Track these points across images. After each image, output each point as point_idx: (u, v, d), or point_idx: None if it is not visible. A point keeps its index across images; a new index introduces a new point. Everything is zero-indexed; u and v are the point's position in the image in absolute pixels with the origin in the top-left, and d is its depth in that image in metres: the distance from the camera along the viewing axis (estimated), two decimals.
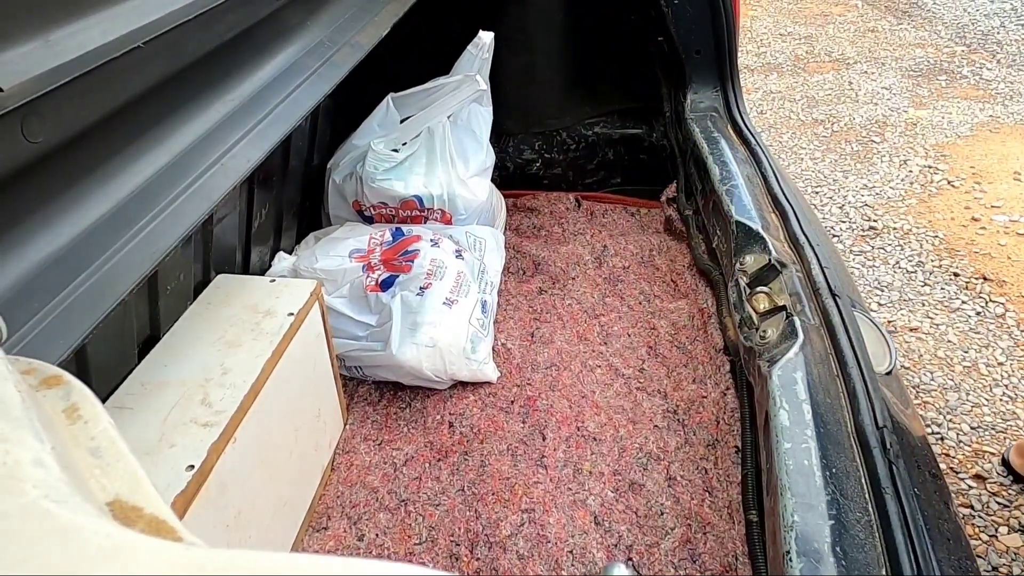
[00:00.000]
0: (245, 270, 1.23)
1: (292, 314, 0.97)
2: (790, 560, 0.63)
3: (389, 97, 1.45)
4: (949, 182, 2.77)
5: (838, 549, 0.64)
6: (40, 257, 0.61)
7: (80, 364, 0.75)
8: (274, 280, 1.04)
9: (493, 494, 1.05)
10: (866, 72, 3.69)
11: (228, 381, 0.85)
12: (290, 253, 1.34)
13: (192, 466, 0.74)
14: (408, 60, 1.51)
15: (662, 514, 1.01)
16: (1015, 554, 1.51)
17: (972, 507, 1.61)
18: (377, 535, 1.02)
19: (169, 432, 0.78)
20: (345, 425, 1.19)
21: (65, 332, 0.58)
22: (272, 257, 1.30)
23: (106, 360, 0.82)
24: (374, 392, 1.25)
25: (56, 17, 0.62)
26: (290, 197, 1.38)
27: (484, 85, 1.38)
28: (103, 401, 0.37)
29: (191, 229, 0.74)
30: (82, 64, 0.61)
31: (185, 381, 0.85)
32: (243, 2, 0.90)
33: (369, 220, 1.48)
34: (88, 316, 0.60)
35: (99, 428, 0.34)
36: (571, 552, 0.97)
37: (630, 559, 0.95)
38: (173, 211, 0.73)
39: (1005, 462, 1.68)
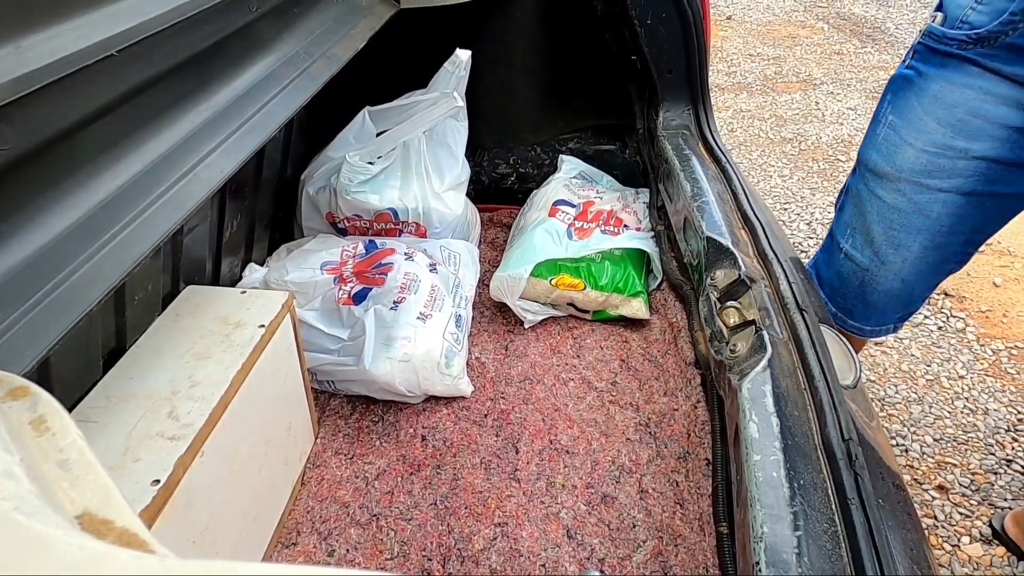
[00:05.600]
0: (215, 281, 1.21)
1: (263, 326, 0.96)
2: (759, 571, 0.64)
3: (365, 110, 1.45)
4: None
5: (805, 560, 0.65)
6: (7, 266, 0.60)
7: (43, 375, 0.74)
8: (245, 291, 1.03)
9: (466, 508, 1.05)
10: (832, 93, 3.79)
11: (196, 394, 0.84)
12: (262, 265, 1.33)
13: (158, 481, 0.73)
14: (384, 74, 1.52)
15: (634, 527, 1.02)
16: (977, 563, 1.55)
17: (935, 517, 1.65)
18: (348, 550, 1.01)
19: (135, 446, 0.77)
20: (316, 439, 1.18)
21: (30, 343, 0.56)
22: (243, 268, 1.29)
23: (70, 372, 0.80)
24: (346, 405, 1.24)
25: (28, 23, 0.61)
26: (263, 208, 1.37)
27: (461, 102, 1.39)
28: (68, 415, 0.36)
29: (162, 239, 0.73)
30: (54, 71, 0.61)
31: (152, 394, 0.84)
32: (219, 13, 0.90)
33: (343, 232, 1.47)
34: (55, 327, 0.59)
35: (68, 440, 0.33)
36: (544, 566, 0.97)
37: (602, 571, 0.95)
38: (144, 221, 0.72)
39: (997, 533, 1.55)
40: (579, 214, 1.52)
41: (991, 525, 1.60)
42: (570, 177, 1.67)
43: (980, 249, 1.21)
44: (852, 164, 1.29)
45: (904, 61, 1.16)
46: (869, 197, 1.19)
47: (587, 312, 1.38)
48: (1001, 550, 1.54)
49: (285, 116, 0.98)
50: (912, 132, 1.09)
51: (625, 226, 1.51)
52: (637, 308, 1.36)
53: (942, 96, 1.06)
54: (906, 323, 1.40)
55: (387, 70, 1.53)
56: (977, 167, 1.06)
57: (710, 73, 1.59)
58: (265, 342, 0.95)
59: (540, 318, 1.40)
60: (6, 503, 0.24)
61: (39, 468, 0.30)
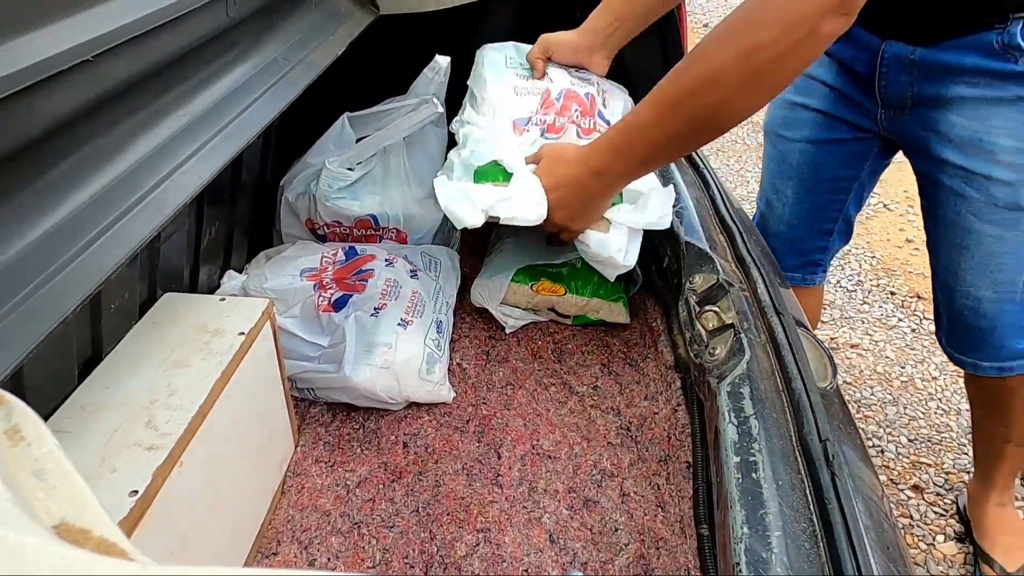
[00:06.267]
0: (193, 289, 1.20)
1: (243, 333, 0.95)
2: (740, 571, 0.65)
3: (344, 116, 1.44)
4: (885, 205, 2.90)
5: (785, 559, 0.66)
6: None
7: (16, 384, 0.72)
8: (224, 299, 1.02)
9: (448, 514, 1.05)
10: None
11: (175, 403, 0.83)
12: (240, 272, 1.32)
13: (136, 491, 0.72)
14: (364, 80, 1.51)
15: (616, 530, 1.02)
16: (951, 561, 1.57)
17: (911, 517, 1.67)
18: (329, 559, 1.00)
19: (111, 456, 0.76)
20: (296, 447, 1.17)
21: (4, 351, 0.55)
22: (221, 276, 1.27)
23: (44, 381, 0.79)
24: (326, 413, 1.23)
25: (1, 28, 0.60)
26: (241, 215, 1.35)
27: (441, 108, 1.39)
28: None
29: (139, 246, 0.72)
30: (27, 76, 0.60)
31: (129, 403, 0.83)
32: (196, 18, 0.89)
33: (323, 239, 1.47)
34: (29, 335, 0.58)
35: (43, 450, 0.33)
36: (526, 571, 0.97)
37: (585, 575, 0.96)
38: (120, 227, 0.71)
39: (963, 515, 1.63)
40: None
41: (956, 503, 1.68)
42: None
43: (867, 202, 1.45)
44: None
45: None
46: (765, 153, 1.43)
47: (568, 317, 1.39)
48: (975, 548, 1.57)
49: (263, 122, 0.98)
50: None
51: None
52: (618, 313, 1.37)
53: None
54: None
55: (366, 76, 1.52)
56: (816, 118, 1.28)
57: None
58: (245, 350, 0.94)
59: (521, 323, 1.40)
60: None
61: (14, 478, 0.30)
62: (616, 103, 1.37)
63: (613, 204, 1.15)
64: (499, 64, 1.34)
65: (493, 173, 1.14)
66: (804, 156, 1.32)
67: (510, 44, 1.39)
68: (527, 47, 1.36)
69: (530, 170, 1.13)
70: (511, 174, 1.12)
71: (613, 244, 1.14)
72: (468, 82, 1.38)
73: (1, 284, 0.59)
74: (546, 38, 1.28)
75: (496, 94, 1.26)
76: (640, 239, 1.19)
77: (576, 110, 1.26)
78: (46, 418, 0.79)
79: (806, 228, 1.42)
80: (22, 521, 0.24)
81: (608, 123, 1.29)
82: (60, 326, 0.61)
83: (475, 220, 1.08)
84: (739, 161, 3.26)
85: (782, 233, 1.42)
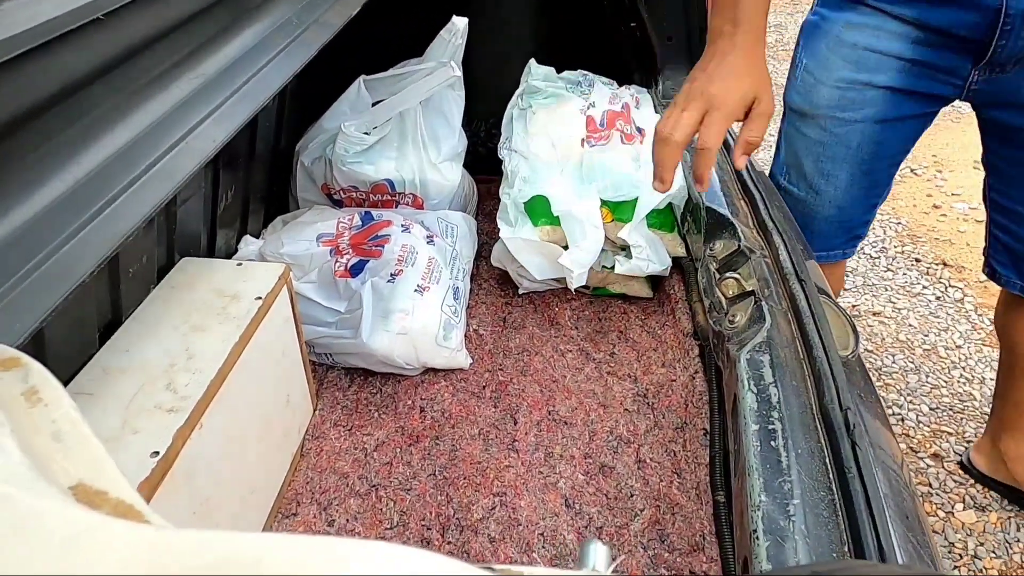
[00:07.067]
0: (211, 253, 1.20)
1: (260, 298, 0.95)
2: (757, 539, 0.65)
3: (360, 80, 1.42)
4: (912, 170, 2.83)
5: (803, 527, 0.65)
6: None
7: (38, 348, 0.73)
8: (241, 264, 1.02)
9: (464, 478, 1.06)
10: None
11: (194, 366, 0.84)
12: (257, 237, 1.32)
13: (157, 452, 0.73)
14: (379, 42, 1.49)
15: (631, 496, 1.03)
16: (970, 530, 1.57)
17: (930, 485, 1.67)
18: (347, 520, 1.02)
19: (132, 418, 0.76)
20: (315, 411, 1.18)
21: (22, 315, 0.56)
22: (238, 241, 1.28)
23: (65, 345, 0.80)
24: (344, 378, 1.24)
25: None
26: (257, 180, 1.35)
27: (458, 72, 1.37)
28: (63, 386, 0.36)
29: (154, 211, 0.72)
30: (36, 36, 0.59)
31: (148, 366, 0.83)
32: None
33: (339, 204, 1.46)
34: (46, 298, 0.58)
35: (60, 411, 0.33)
36: (542, 535, 0.98)
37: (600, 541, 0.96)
38: (135, 192, 0.71)
39: (964, 466, 1.67)
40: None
41: (960, 463, 1.67)
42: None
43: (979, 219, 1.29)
44: None
45: (811, 8, 1.27)
46: (796, 136, 1.29)
47: (587, 287, 1.38)
48: (994, 516, 1.56)
49: (277, 84, 0.96)
50: (823, 72, 1.19)
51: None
52: (639, 288, 1.36)
53: (843, 36, 1.16)
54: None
55: (382, 37, 1.50)
56: (882, 96, 1.18)
57: None
58: (262, 314, 0.95)
59: (537, 287, 1.39)
60: None
61: (31, 440, 0.30)
62: (646, 104, 1.49)
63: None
64: (544, 93, 1.47)
65: (541, 210, 1.28)
66: (866, 136, 1.22)
67: (553, 71, 1.53)
68: (572, 74, 1.53)
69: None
70: (557, 217, 1.26)
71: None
72: (511, 105, 1.48)
73: (19, 248, 0.59)
74: (703, 92, 0.86)
75: (542, 122, 1.38)
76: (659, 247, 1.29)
77: (619, 123, 1.39)
78: (68, 381, 0.80)
79: (858, 206, 1.34)
80: (38, 484, 0.24)
81: (637, 125, 1.40)
82: (78, 289, 0.61)
83: (551, 274, 1.30)
84: None
85: (832, 216, 1.33)
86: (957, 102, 1.20)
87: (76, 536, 0.22)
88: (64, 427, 0.32)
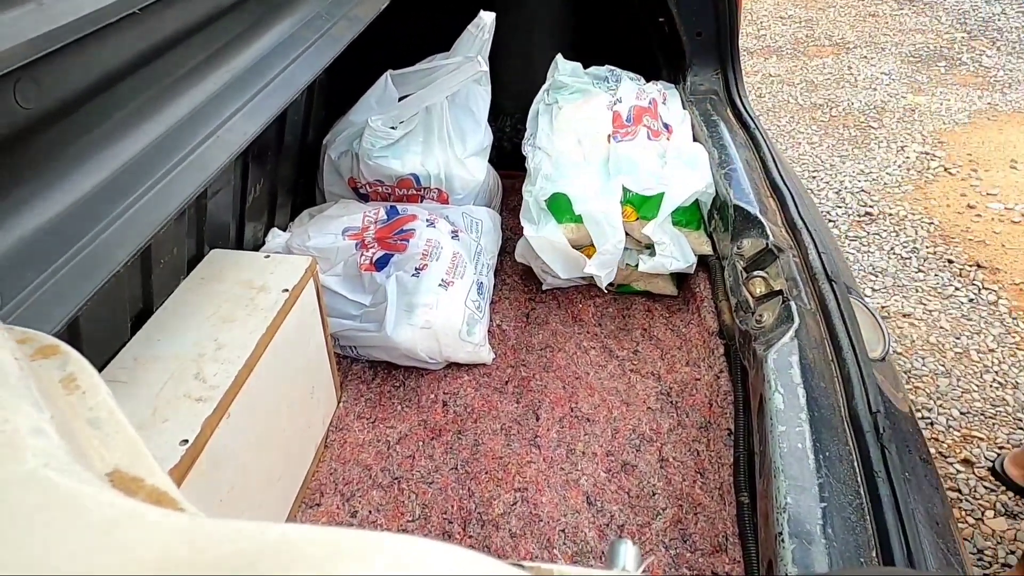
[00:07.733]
0: (239, 246, 1.22)
1: (287, 290, 0.96)
2: (782, 541, 0.64)
3: (387, 74, 1.43)
4: (946, 169, 2.77)
5: (829, 531, 0.64)
6: (34, 226, 0.60)
7: (73, 336, 0.75)
8: (268, 256, 1.04)
9: (486, 473, 1.06)
10: (866, 57, 3.67)
11: (222, 356, 0.85)
12: (284, 230, 1.33)
13: (186, 440, 0.74)
14: (407, 36, 1.49)
15: (654, 495, 1.02)
16: (1000, 537, 1.53)
17: (960, 491, 1.63)
18: (370, 512, 1.02)
19: (162, 406, 0.78)
20: (339, 403, 1.19)
21: (59, 303, 0.57)
22: (266, 233, 1.29)
23: (99, 333, 0.81)
24: (368, 370, 1.25)
25: None
26: (285, 173, 1.36)
27: (485, 67, 1.36)
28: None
29: (185, 202, 0.73)
30: (77, 29, 0.60)
31: (178, 356, 0.85)
32: None
33: (365, 198, 1.47)
34: (82, 287, 0.59)
35: (97, 399, 0.34)
36: (563, 531, 0.98)
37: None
38: (167, 183, 0.72)
39: (996, 473, 1.64)
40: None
41: (992, 469, 1.64)
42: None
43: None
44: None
45: None
46: None
47: (611, 285, 1.37)
48: None
49: (306, 79, 0.97)
50: None
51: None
52: (663, 285, 1.35)
53: None
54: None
55: (409, 32, 1.50)
56: None
57: (739, 36, 1.54)
58: (289, 306, 0.96)
59: (560, 283, 1.39)
60: (36, 460, 0.24)
61: (69, 426, 0.30)
62: (673, 100, 1.49)
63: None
64: (571, 88, 1.47)
65: (562, 208, 1.28)
66: None
67: (579, 66, 1.53)
68: (599, 69, 1.53)
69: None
70: (579, 216, 1.26)
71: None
72: (537, 100, 1.48)
73: (53, 239, 0.61)
74: None
75: (568, 118, 1.39)
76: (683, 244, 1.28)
77: (646, 119, 1.38)
78: (101, 369, 0.82)
79: None
80: (75, 469, 0.24)
81: (664, 121, 1.40)
82: (112, 279, 0.62)
83: (576, 272, 1.29)
84: (791, 122, 3.14)
85: None
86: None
87: (115, 521, 0.22)
88: (101, 414, 0.33)
